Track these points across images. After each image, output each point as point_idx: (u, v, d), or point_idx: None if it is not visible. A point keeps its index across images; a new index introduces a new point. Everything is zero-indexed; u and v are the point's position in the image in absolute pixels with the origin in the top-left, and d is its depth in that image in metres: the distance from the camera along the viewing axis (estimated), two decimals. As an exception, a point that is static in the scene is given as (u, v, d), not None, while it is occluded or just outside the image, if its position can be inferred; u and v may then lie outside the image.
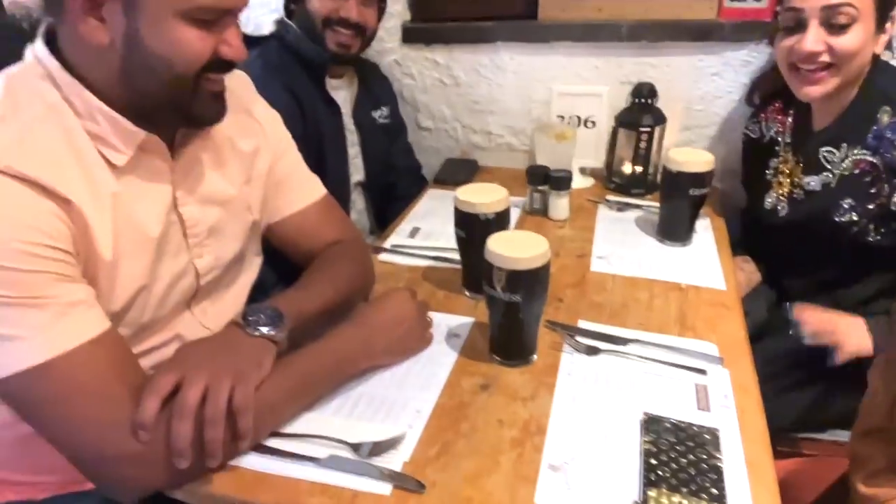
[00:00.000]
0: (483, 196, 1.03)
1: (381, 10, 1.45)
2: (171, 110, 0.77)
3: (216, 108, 0.81)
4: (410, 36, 1.69)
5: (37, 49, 0.74)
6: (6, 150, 0.65)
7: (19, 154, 0.66)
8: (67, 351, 0.67)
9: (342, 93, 1.47)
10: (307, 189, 1.05)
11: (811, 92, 1.15)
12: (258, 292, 1.04)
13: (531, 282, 0.85)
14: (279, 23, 1.42)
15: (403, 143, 1.69)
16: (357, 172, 1.52)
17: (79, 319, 0.69)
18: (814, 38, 1.10)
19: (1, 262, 0.64)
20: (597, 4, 1.57)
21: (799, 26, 1.13)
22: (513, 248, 0.85)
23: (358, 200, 1.56)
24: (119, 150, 0.75)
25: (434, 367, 0.92)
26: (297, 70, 1.37)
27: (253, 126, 0.96)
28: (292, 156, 1.04)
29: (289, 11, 1.42)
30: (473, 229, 1.03)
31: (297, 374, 0.80)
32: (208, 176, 0.88)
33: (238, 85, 0.96)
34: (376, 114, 1.56)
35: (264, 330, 0.79)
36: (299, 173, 1.05)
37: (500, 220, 1.03)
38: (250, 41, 1.37)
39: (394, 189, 1.62)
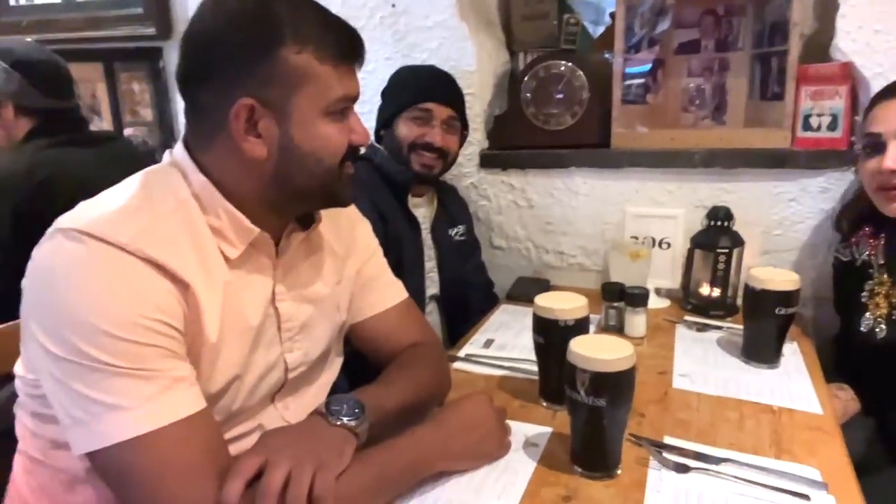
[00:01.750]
0: (562, 303, 1.03)
1: (462, 137, 1.57)
2: (317, 198, 0.87)
3: (352, 191, 0.89)
4: (488, 161, 1.79)
5: (176, 151, 0.84)
6: (138, 235, 0.72)
7: (148, 239, 0.72)
8: (168, 425, 0.69)
9: (422, 210, 1.56)
10: (391, 292, 1.08)
11: None
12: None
13: (616, 385, 0.83)
14: (369, 146, 1.54)
15: (477, 261, 1.74)
16: (433, 286, 1.57)
17: (181, 396, 0.71)
18: (894, 157, 1.11)
19: (118, 333, 0.68)
20: (669, 135, 1.64)
21: (880, 148, 1.15)
22: (597, 350, 0.84)
23: (433, 313, 1.58)
24: (234, 245, 0.81)
25: (512, 475, 0.88)
26: (383, 188, 1.47)
27: (347, 230, 1.02)
28: (379, 260, 1.09)
29: (378, 137, 1.55)
30: (552, 336, 1.03)
31: (373, 469, 0.79)
32: (305, 274, 0.93)
33: None
34: (453, 231, 1.63)
35: (346, 420, 0.79)
36: (385, 277, 1.09)
37: (579, 328, 1.02)
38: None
39: (467, 304, 1.65)
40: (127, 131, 2.34)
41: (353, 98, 0.84)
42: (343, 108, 0.82)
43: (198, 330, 0.76)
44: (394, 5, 1.77)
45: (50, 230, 0.73)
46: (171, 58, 2.17)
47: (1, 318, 1.18)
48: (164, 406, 0.69)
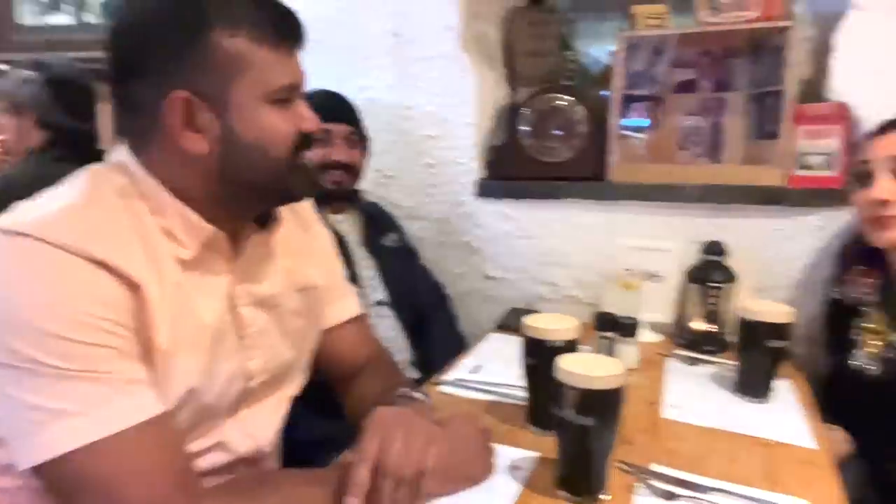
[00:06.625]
0: (553, 323, 1.02)
1: (366, 149, 1.63)
2: (270, 193, 0.83)
3: (310, 182, 0.89)
4: (484, 190, 1.80)
5: (118, 151, 0.80)
6: (82, 235, 0.68)
7: (94, 238, 0.68)
8: (122, 430, 0.65)
9: (346, 225, 1.59)
10: (348, 303, 1.08)
11: (889, 237, 1.16)
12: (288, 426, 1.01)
13: (604, 404, 0.81)
14: None
15: (419, 266, 1.77)
16: (376, 292, 1.57)
17: (136, 399, 0.68)
18: (883, 187, 1.13)
19: (63, 333, 0.64)
20: (666, 169, 1.65)
21: (870, 178, 1.16)
22: (586, 367, 0.82)
23: (386, 318, 1.57)
24: (186, 246, 0.77)
25: (494, 498, 0.85)
26: None
27: (306, 235, 1.01)
28: (337, 269, 1.09)
29: None
30: (541, 357, 1.00)
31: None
32: (262, 279, 0.89)
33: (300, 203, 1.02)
34: (385, 240, 1.67)
35: (417, 395, 0.90)
36: (342, 287, 1.09)
37: (568, 349, 0.99)
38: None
39: (420, 307, 1.67)
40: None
41: (299, 86, 0.80)
42: (290, 97, 0.79)
43: (149, 334, 0.72)
44: (398, 35, 1.80)
45: None
46: (177, 79, 2.19)
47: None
48: (117, 410, 0.66)
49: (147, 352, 0.72)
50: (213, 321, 0.80)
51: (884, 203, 1.15)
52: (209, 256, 0.81)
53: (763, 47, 1.58)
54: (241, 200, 0.82)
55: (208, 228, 0.79)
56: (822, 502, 0.86)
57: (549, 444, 0.91)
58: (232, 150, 0.76)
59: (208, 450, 0.84)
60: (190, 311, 0.77)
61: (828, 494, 0.88)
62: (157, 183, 0.77)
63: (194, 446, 0.82)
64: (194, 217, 0.78)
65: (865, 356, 1.23)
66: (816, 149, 1.46)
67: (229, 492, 0.74)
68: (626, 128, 1.71)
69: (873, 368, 1.21)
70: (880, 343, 1.21)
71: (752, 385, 1.19)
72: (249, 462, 0.91)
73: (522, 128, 1.76)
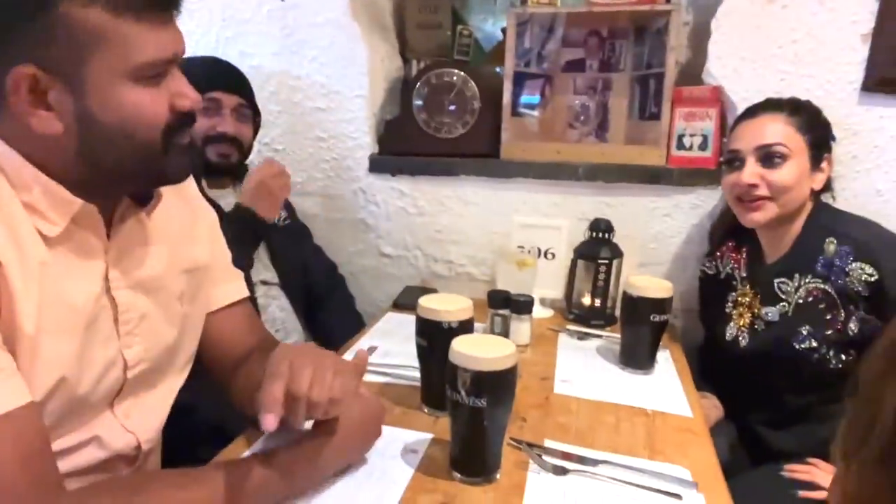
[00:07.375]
0: (447, 304, 1.00)
1: (255, 125, 1.54)
2: (140, 176, 0.75)
3: (185, 164, 0.78)
4: (377, 166, 1.75)
5: None
6: None
7: None
8: None
9: (229, 199, 1.50)
10: (235, 287, 1.02)
11: (754, 217, 1.24)
12: (181, 415, 0.95)
13: (497, 385, 0.80)
14: None
15: (311, 245, 1.72)
16: (263, 272, 1.51)
17: None
18: (750, 172, 1.22)
19: None
20: (555, 147, 1.68)
21: (739, 164, 1.23)
22: (479, 349, 0.81)
23: (274, 299, 1.52)
24: (52, 222, 0.70)
25: (388, 483, 0.83)
26: None
27: (190, 216, 0.93)
28: (222, 250, 1.02)
29: None
30: (435, 338, 0.99)
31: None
32: (142, 260, 0.82)
33: None
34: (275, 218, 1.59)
35: None
36: (228, 270, 1.02)
37: (463, 330, 0.99)
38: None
39: (316, 290, 1.63)
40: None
41: (171, 60, 0.71)
42: (160, 73, 0.71)
43: (11, 318, 0.65)
44: (283, -1, 1.70)
45: None
46: None
47: None
48: None
49: (10, 337, 0.65)
50: (86, 304, 0.73)
51: (751, 186, 1.22)
52: (79, 234, 0.73)
53: (647, 30, 1.63)
54: (109, 181, 0.75)
55: (77, 202, 0.71)
56: (698, 466, 0.91)
57: (443, 424, 0.91)
58: (91, 131, 0.69)
59: (82, 445, 0.77)
60: (59, 293, 0.70)
61: (703, 459, 0.94)
62: (17, 154, 0.69)
63: (66, 441, 0.75)
64: (61, 191, 0.70)
65: (736, 328, 1.32)
66: (693, 130, 1.53)
67: (94, 494, 0.67)
68: (519, 105, 1.72)
69: (743, 339, 1.30)
70: (749, 315, 1.30)
71: (636, 358, 1.24)
72: (128, 460, 0.85)
73: (416, 102, 1.72)
